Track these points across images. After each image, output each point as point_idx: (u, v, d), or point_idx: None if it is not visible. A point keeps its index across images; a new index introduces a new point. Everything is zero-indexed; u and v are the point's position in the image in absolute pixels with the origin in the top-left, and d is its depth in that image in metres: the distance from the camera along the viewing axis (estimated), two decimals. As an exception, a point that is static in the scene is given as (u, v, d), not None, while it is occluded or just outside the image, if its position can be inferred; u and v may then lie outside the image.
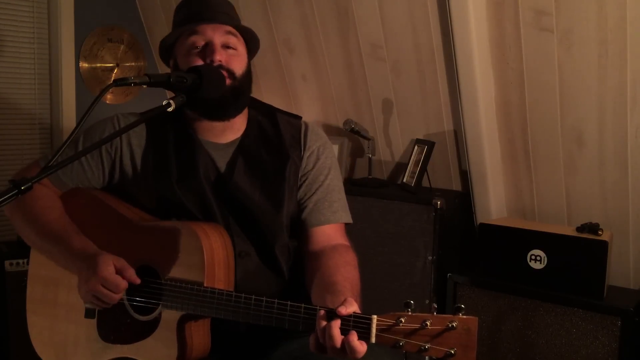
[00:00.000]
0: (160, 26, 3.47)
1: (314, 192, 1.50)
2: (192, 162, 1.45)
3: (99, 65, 3.36)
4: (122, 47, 3.44)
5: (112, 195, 1.52)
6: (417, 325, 1.05)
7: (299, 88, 3.07)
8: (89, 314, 1.43)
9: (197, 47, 1.43)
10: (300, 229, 1.50)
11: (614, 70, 2.10)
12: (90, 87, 3.31)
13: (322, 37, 2.82)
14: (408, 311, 1.07)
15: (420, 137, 2.73)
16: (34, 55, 3.18)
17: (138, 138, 1.49)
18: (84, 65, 3.29)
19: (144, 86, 1.24)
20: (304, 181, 1.51)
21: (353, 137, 2.88)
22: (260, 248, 1.45)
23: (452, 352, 1.03)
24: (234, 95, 1.43)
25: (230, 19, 1.47)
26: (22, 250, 2.87)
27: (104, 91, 1.16)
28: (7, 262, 2.75)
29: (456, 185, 2.77)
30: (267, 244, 1.45)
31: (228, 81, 1.41)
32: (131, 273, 1.33)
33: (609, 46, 2.08)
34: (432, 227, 2.41)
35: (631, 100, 2.11)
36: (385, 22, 2.58)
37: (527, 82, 2.32)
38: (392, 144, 2.88)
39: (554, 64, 2.22)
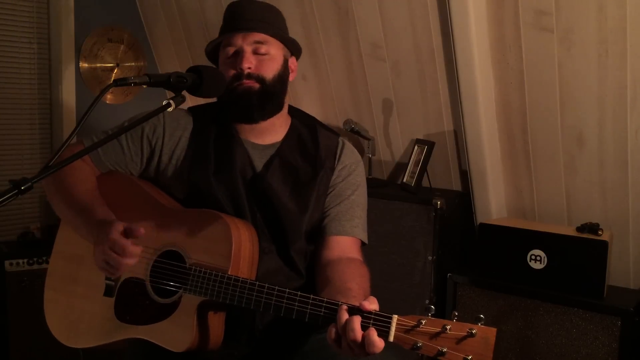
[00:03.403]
0: (161, 26, 3.47)
1: (338, 203, 1.55)
2: (230, 157, 1.50)
3: (99, 65, 3.36)
4: (122, 47, 3.44)
5: (146, 181, 1.56)
6: (437, 329, 1.07)
7: (299, 88, 3.06)
8: (108, 292, 1.44)
9: (229, 57, 1.49)
10: (318, 236, 1.54)
11: (614, 70, 2.10)
12: (90, 87, 3.31)
13: (322, 37, 2.82)
14: (429, 315, 1.09)
15: (420, 137, 2.73)
16: (34, 55, 3.18)
17: (182, 130, 1.54)
18: (84, 65, 3.29)
19: (144, 86, 1.24)
20: (331, 191, 1.56)
21: (353, 137, 2.88)
22: (280, 247, 1.49)
23: (469, 358, 1.05)
24: (260, 100, 1.48)
25: (263, 25, 1.51)
26: (22, 250, 2.87)
27: (104, 91, 1.16)
28: (7, 262, 2.75)
29: (456, 185, 2.77)
30: (286, 244, 1.49)
31: (256, 86, 1.47)
32: (139, 230, 1.32)
33: (609, 46, 2.08)
34: (432, 227, 2.41)
35: (631, 100, 2.11)
36: (385, 22, 2.58)
37: (527, 82, 2.32)
38: (392, 144, 2.88)
39: (554, 64, 2.22)
